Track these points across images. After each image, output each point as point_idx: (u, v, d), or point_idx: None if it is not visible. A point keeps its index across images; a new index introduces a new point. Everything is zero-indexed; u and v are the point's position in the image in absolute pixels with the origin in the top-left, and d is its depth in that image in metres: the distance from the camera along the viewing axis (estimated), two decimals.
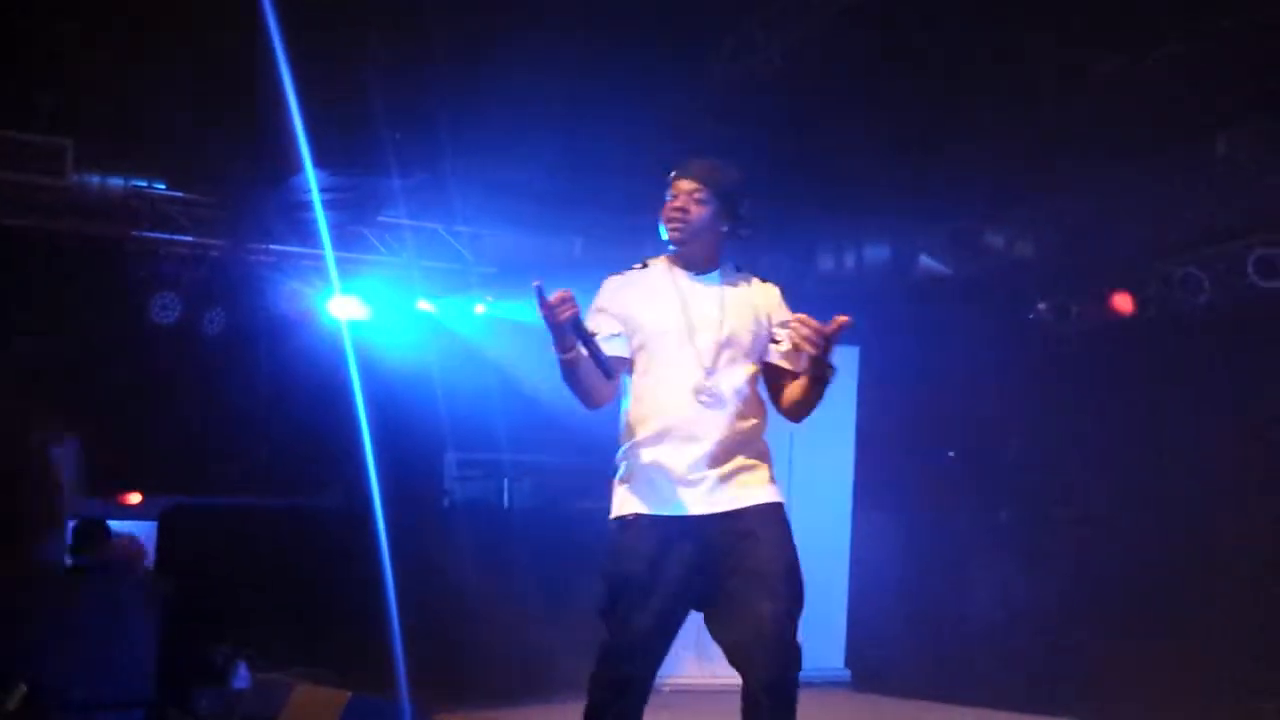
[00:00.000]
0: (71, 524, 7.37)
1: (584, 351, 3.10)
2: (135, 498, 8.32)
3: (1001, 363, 8.01)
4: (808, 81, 6.41)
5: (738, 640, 3.07)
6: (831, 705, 7.78)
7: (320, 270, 7.95)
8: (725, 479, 3.19)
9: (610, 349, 3.19)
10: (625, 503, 3.24)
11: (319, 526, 8.24)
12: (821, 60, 6.24)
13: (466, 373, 8.37)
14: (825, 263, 8.96)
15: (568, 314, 3.00)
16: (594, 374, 3.15)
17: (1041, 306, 7.92)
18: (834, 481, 8.73)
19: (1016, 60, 6.15)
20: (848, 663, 8.78)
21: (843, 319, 3.02)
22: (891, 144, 6.97)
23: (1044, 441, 7.98)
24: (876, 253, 8.83)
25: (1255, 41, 5.57)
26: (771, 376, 3.34)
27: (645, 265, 3.39)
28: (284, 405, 7.98)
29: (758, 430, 3.29)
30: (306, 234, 7.74)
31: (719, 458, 3.19)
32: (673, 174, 3.35)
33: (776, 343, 3.32)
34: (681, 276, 3.33)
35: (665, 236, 3.33)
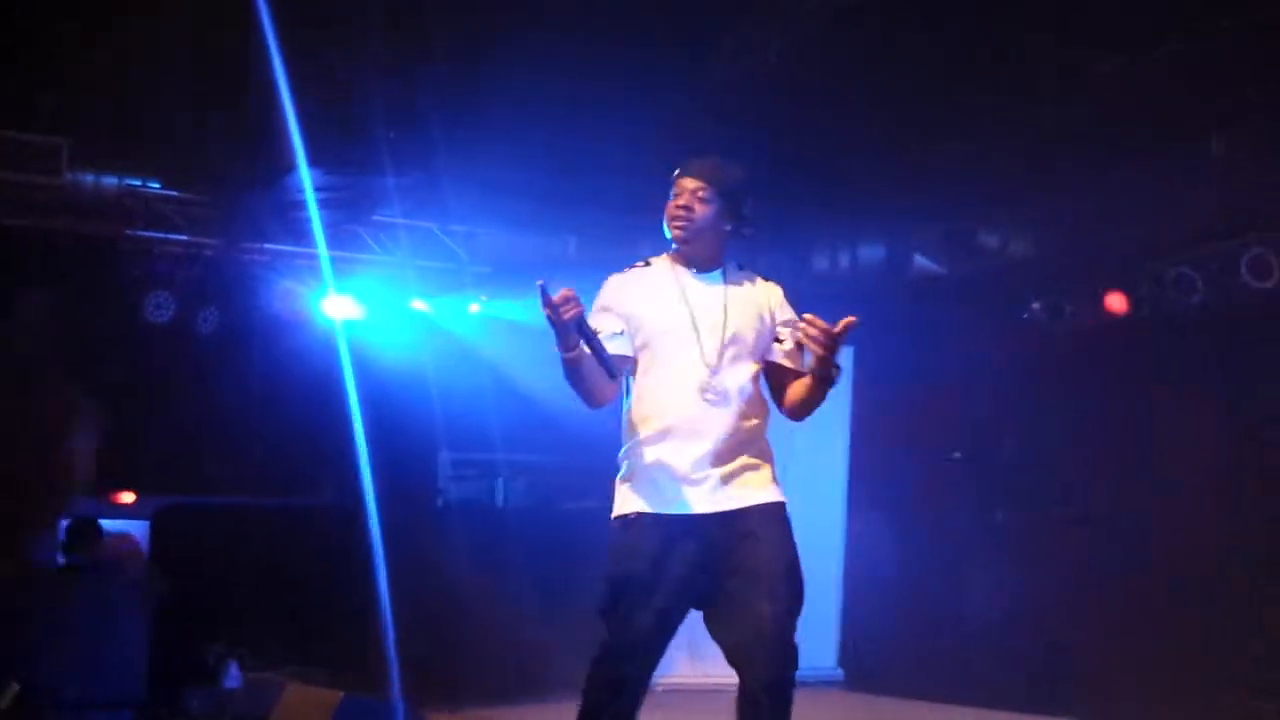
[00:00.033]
0: (64, 523, 7.36)
1: (587, 351, 3.09)
2: (128, 497, 8.30)
3: (996, 362, 8.02)
4: (803, 82, 6.41)
5: (738, 640, 3.07)
6: (825, 705, 7.78)
7: (314, 269, 7.94)
8: (728, 478, 3.19)
9: (613, 347, 3.18)
10: (627, 501, 3.23)
11: (312, 526, 8.24)
12: (816, 61, 6.23)
13: (461, 372, 8.36)
14: (820, 262, 8.98)
15: (572, 313, 2.99)
16: (597, 373, 3.14)
17: (1035, 306, 7.93)
18: (828, 480, 8.74)
19: (1010, 61, 6.14)
20: (841, 662, 8.79)
21: (850, 319, 3.02)
22: (887, 144, 6.97)
23: (1038, 441, 7.98)
24: (871, 252, 8.84)
25: (1251, 42, 5.58)
26: (774, 375, 3.34)
27: (648, 263, 3.39)
28: (278, 404, 7.96)
29: (760, 429, 3.29)
30: (301, 233, 7.73)
31: (722, 456, 3.19)
32: (676, 172, 3.35)
33: (780, 341, 3.33)
34: (685, 275, 3.33)
35: (669, 235, 3.33)
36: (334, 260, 7.86)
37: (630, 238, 7.13)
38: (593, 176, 7.49)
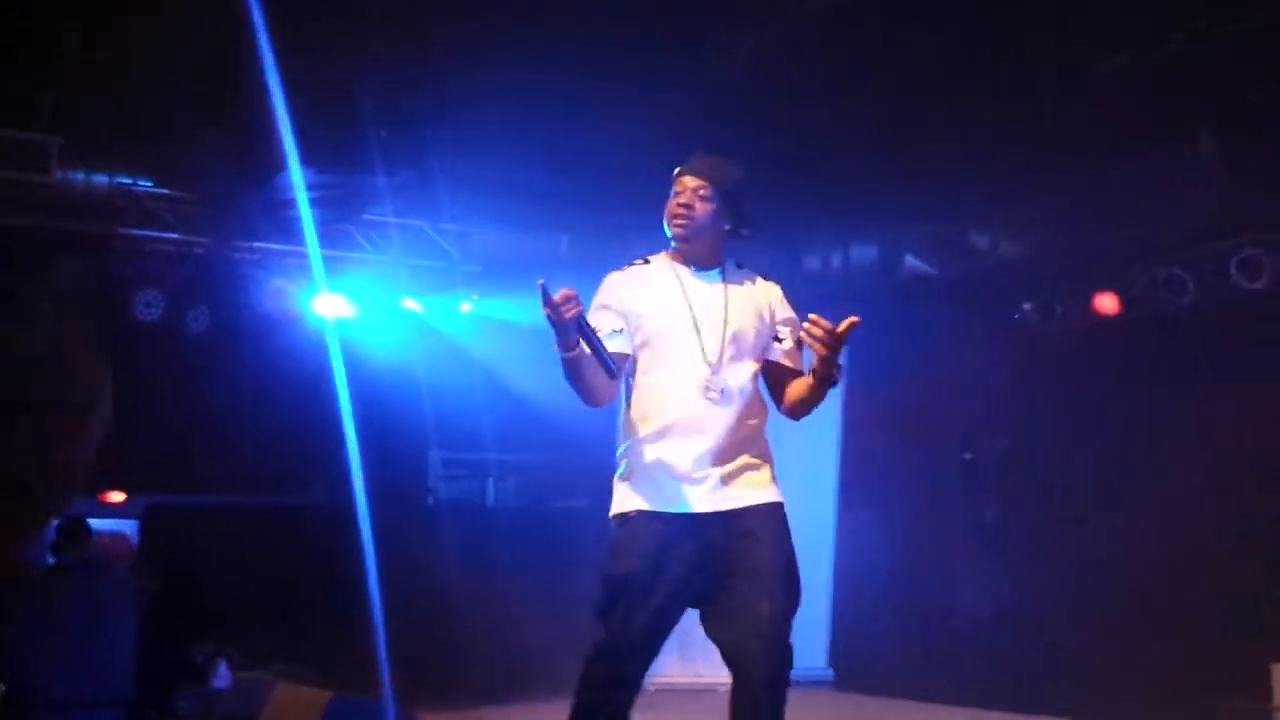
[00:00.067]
0: (53, 522, 7.32)
1: (587, 350, 3.08)
2: (118, 496, 8.27)
3: (986, 362, 8.04)
4: (798, 81, 6.41)
5: (736, 639, 3.07)
6: (815, 704, 7.77)
7: (305, 268, 7.92)
8: (728, 478, 3.19)
9: (612, 345, 3.18)
10: (627, 499, 3.22)
11: (302, 525, 8.21)
12: (808, 61, 6.24)
13: (451, 371, 8.35)
14: (812, 262, 8.98)
15: (572, 313, 2.98)
16: (597, 372, 3.13)
17: (1026, 306, 7.95)
18: (819, 480, 8.75)
19: (1004, 61, 6.16)
20: (831, 662, 8.79)
21: (853, 319, 3.02)
22: (881, 144, 6.98)
23: (1029, 441, 8.00)
24: (863, 253, 8.85)
25: (1251, 42, 5.59)
26: (773, 374, 3.34)
27: (646, 261, 3.38)
28: (268, 403, 7.94)
29: (760, 429, 3.29)
30: (291, 231, 7.71)
31: (723, 455, 3.19)
32: (677, 170, 3.35)
33: (779, 340, 3.33)
34: (685, 273, 3.32)
35: (669, 233, 3.33)
36: (325, 259, 7.83)
37: (622, 237, 7.13)
38: (585, 175, 7.48)
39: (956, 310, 8.19)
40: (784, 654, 3.06)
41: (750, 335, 3.28)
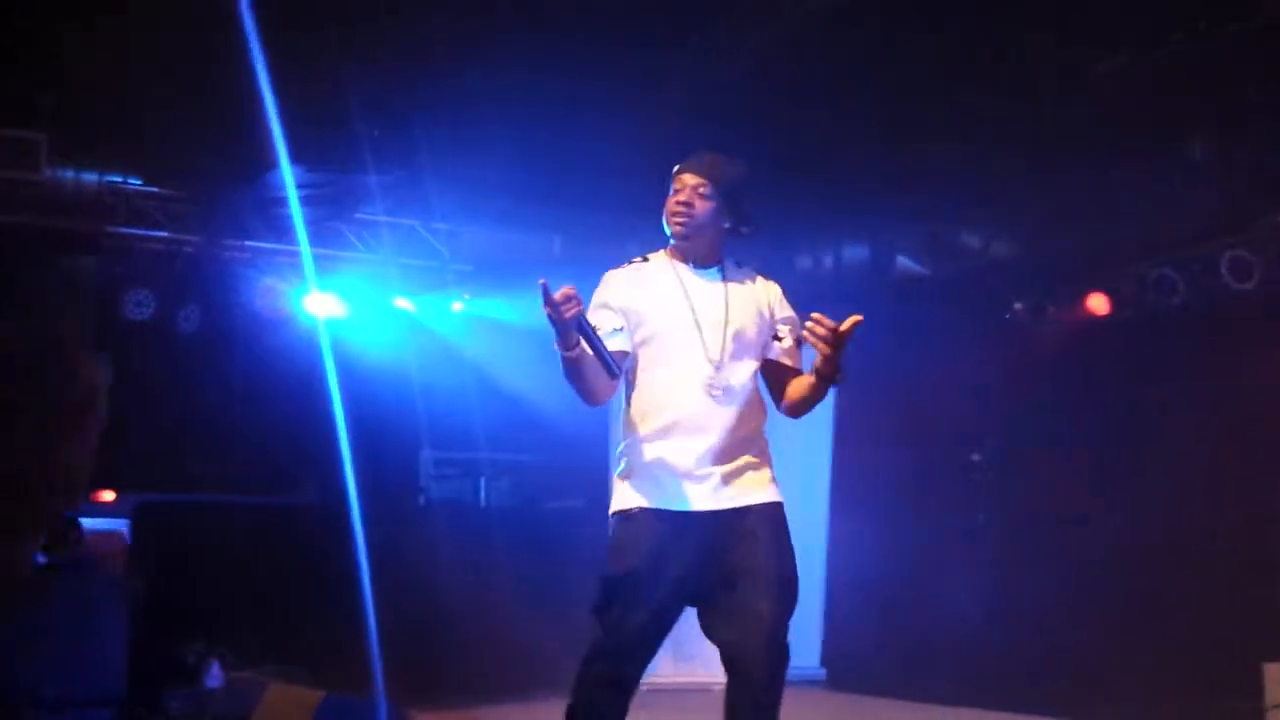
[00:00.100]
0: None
1: (588, 349, 3.08)
2: (108, 495, 8.24)
3: (978, 363, 8.04)
4: (789, 81, 6.41)
5: (734, 639, 3.07)
6: (807, 704, 7.77)
7: (296, 267, 7.90)
8: (729, 477, 3.19)
9: (612, 344, 3.17)
10: (628, 497, 3.22)
11: (294, 524, 8.18)
12: (801, 60, 6.24)
13: (443, 370, 8.33)
14: (804, 262, 8.99)
15: (573, 312, 2.98)
16: (597, 372, 3.13)
17: (1018, 307, 7.96)
18: (810, 480, 8.74)
19: (1003, 61, 6.16)
20: (824, 661, 8.79)
21: (856, 317, 3.03)
22: (875, 144, 6.98)
23: (1020, 441, 8.01)
24: (855, 253, 8.86)
25: (1251, 42, 5.60)
26: (773, 373, 3.35)
27: (646, 259, 3.38)
28: (259, 402, 7.92)
29: (760, 428, 3.30)
30: (283, 230, 7.69)
31: (725, 454, 3.19)
32: (677, 168, 3.34)
33: (779, 339, 3.33)
34: (685, 271, 3.32)
35: (669, 230, 3.33)
36: (316, 258, 7.82)
37: (616, 236, 7.12)
38: (577, 175, 7.47)
39: (948, 310, 8.21)
40: (781, 654, 3.07)
41: (751, 334, 3.28)
